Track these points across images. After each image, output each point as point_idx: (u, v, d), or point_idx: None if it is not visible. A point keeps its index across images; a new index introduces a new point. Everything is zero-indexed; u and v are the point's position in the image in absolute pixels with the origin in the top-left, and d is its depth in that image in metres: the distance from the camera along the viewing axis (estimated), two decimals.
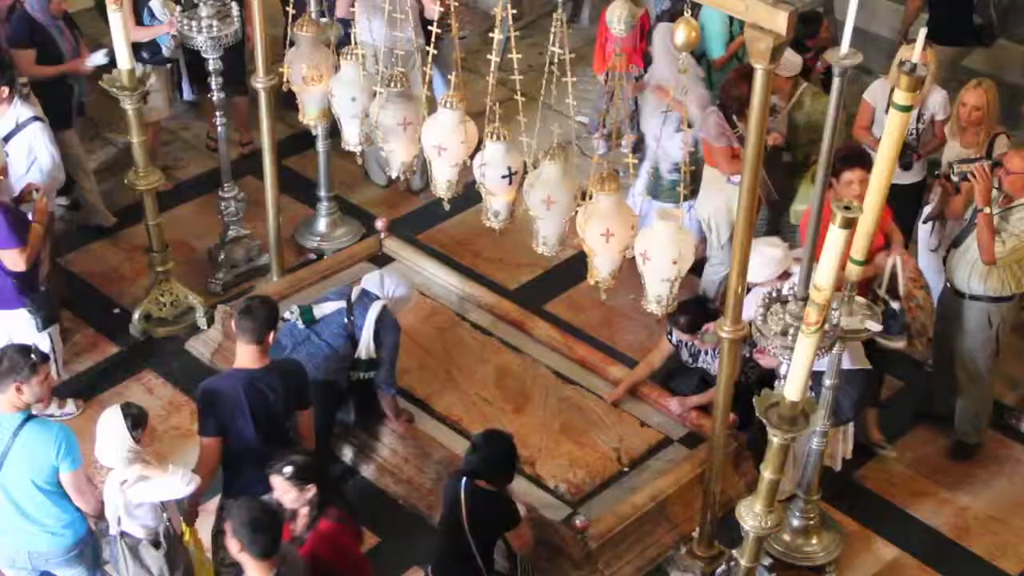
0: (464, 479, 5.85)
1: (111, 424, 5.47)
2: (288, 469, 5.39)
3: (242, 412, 5.81)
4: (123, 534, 5.59)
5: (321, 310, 6.77)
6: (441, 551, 6.07)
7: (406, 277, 7.20)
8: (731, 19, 8.28)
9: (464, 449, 6.46)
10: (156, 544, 5.66)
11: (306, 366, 6.49)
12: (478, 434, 6.20)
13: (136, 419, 5.48)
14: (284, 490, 5.42)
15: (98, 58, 8.04)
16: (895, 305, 6.20)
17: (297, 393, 6.00)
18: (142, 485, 5.49)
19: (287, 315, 6.76)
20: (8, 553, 5.85)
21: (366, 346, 6.69)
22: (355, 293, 6.80)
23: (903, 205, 7.56)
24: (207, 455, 5.89)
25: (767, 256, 6.35)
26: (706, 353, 7.00)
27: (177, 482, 5.54)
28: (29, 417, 5.64)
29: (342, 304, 6.75)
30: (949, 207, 7.23)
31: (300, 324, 6.71)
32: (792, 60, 7.64)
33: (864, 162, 6.51)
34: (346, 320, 6.69)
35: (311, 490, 5.41)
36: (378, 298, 6.77)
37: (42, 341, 6.99)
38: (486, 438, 6.06)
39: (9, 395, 5.58)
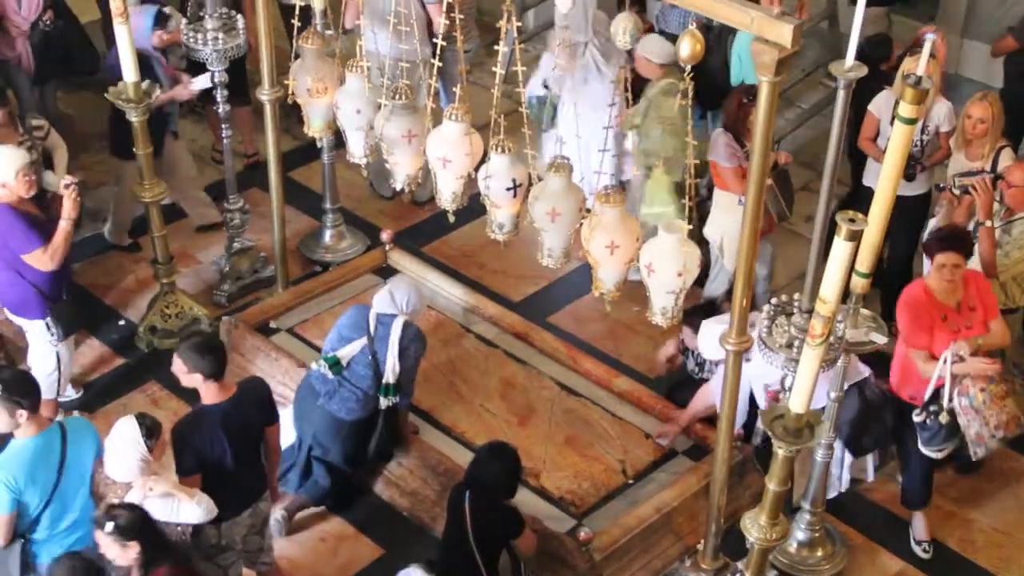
0: (468, 490, 5.86)
1: (125, 433, 5.46)
2: (109, 525, 5.17)
3: (220, 444, 5.81)
4: None
5: (345, 354, 6.66)
6: (446, 561, 6.07)
7: (411, 283, 7.08)
8: None
9: (467, 461, 6.48)
10: None
11: (340, 410, 6.61)
12: (482, 446, 6.20)
13: (150, 429, 5.48)
14: (106, 546, 5.22)
15: (202, 81, 7.91)
16: (934, 418, 6.19)
17: (266, 413, 6.04)
18: (165, 502, 5.48)
19: (313, 366, 6.73)
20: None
21: (391, 369, 6.61)
22: (372, 323, 6.67)
23: (908, 217, 7.57)
24: None
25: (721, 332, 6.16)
26: (712, 363, 7.00)
27: (199, 511, 5.54)
28: (60, 424, 5.71)
29: (364, 341, 6.66)
30: (951, 220, 7.22)
31: (330, 375, 6.66)
32: (666, 48, 7.64)
33: (961, 247, 6.34)
34: (370, 358, 6.62)
35: (134, 547, 5.17)
36: (395, 316, 6.68)
37: (52, 355, 7.03)
38: (491, 450, 6.06)
39: (38, 417, 5.64)
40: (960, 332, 6.31)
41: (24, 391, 5.57)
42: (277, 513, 6.68)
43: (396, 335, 6.59)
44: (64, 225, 6.72)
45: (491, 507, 5.89)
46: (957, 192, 6.97)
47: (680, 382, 7.30)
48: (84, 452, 5.74)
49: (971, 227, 6.93)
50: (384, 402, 6.67)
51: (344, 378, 6.65)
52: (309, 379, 6.81)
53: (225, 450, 5.81)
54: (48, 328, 6.97)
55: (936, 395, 6.24)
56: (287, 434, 6.90)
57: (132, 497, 5.49)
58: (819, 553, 6.63)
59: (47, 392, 7.10)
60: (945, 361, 6.15)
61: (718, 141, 7.47)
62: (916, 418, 6.26)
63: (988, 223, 6.66)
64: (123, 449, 5.46)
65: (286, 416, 6.96)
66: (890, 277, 8.05)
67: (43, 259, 6.71)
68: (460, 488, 5.97)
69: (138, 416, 5.53)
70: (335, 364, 6.64)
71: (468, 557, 5.88)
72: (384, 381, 6.62)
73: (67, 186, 6.77)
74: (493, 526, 5.92)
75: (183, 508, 5.52)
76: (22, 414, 5.53)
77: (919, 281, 6.49)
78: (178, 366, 5.84)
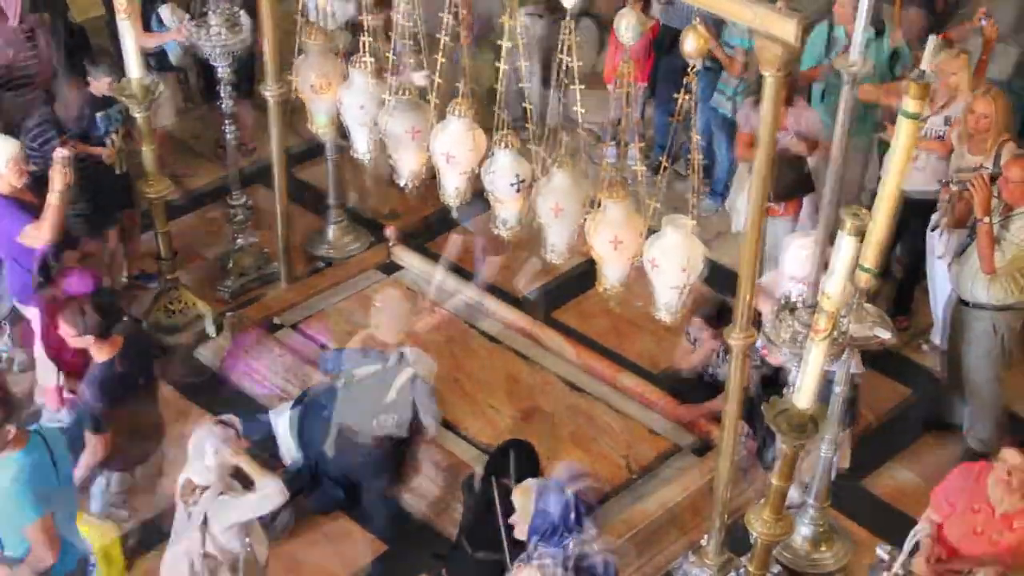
0: (494, 479, 5.91)
1: (204, 436, 5.49)
2: None
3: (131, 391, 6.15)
4: (206, 554, 5.59)
5: (361, 372, 6.74)
6: (463, 553, 6.04)
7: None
8: (827, 48, 8.25)
9: (471, 457, 6.51)
10: (234, 570, 5.67)
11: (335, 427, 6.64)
12: (502, 443, 6.29)
13: (227, 425, 5.55)
14: None
15: (419, 79, 7.86)
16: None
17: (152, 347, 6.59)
18: (241, 499, 5.53)
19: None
20: None
21: (389, 407, 6.68)
22: (393, 357, 6.75)
23: (924, 215, 7.53)
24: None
25: (807, 246, 6.07)
26: (718, 356, 6.99)
27: (276, 491, 5.59)
28: (38, 431, 5.61)
29: (378, 367, 6.72)
30: (952, 216, 7.20)
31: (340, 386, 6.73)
32: None
33: None
34: (379, 382, 6.69)
35: None
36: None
37: None
38: (510, 446, 6.15)
39: (21, 431, 5.50)
40: (984, 534, 5.76)
41: (5, 406, 5.46)
42: (284, 514, 6.69)
43: (400, 381, 6.67)
44: (52, 198, 6.70)
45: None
46: (955, 189, 6.96)
47: (685, 379, 7.29)
48: (65, 456, 5.66)
49: (970, 223, 6.91)
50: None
51: (348, 393, 6.68)
52: (316, 397, 6.88)
53: (135, 397, 6.06)
54: None
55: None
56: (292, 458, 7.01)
57: (203, 503, 5.54)
58: (823, 548, 6.63)
59: (48, 380, 7.13)
60: (915, 536, 5.89)
61: (745, 107, 7.75)
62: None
63: (986, 220, 6.65)
64: (203, 449, 5.49)
65: (288, 419, 7.01)
66: (902, 276, 8.07)
67: (34, 235, 6.70)
68: (485, 480, 6.02)
69: (215, 420, 5.56)
70: (349, 377, 6.72)
71: (495, 539, 5.86)
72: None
73: (61, 158, 6.73)
74: None
75: (256, 500, 5.61)
76: (10, 431, 5.42)
77: (988, 464, 5.90)
78: (65, 330, 6.04)
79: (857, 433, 7.00)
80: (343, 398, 6.69)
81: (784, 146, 7.64)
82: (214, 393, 7.48)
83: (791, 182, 7.70)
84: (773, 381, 6.66)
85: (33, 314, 7.07)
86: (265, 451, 7.16)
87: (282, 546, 6.69)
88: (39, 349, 7.18)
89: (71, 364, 6.50)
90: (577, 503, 5.21)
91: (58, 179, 6.69)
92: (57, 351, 6.46)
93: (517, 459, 6.02)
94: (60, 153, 6.76)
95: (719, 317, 6.74)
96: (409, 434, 6.74)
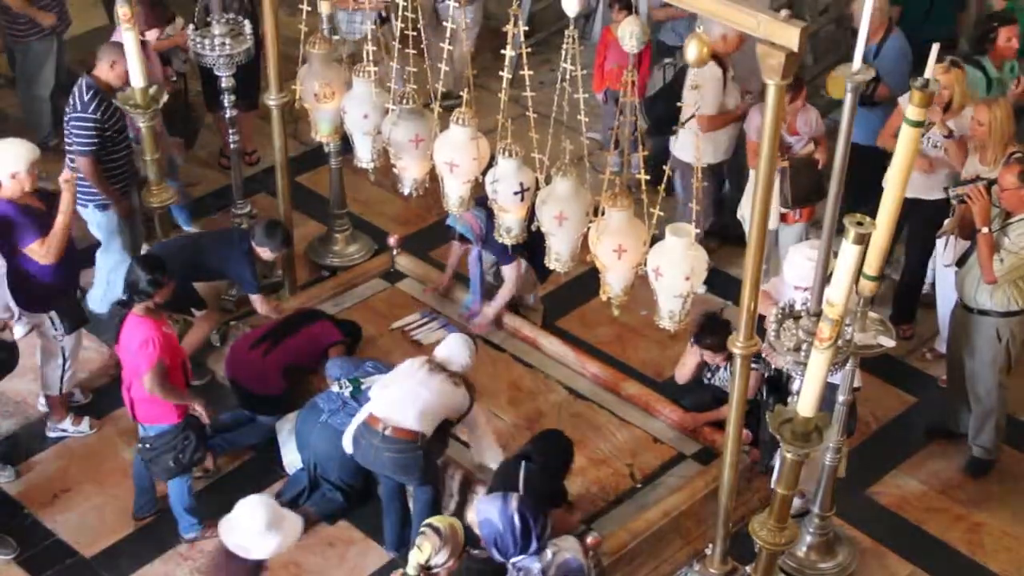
0: (524, 461, 5.96)
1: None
2: None
3: None
4: None
5: (367, 382, 6.70)
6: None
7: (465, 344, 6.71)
8: (987, 89, 7.97)
9: (470, 461, 6.60)
10: None
11: (342, 424, 6.58)
12: (539, 433, 6.40)
13: None
14: None
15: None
16: None
17: None
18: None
19: (335, 388, 6.77)
20: None
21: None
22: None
23: (931, 221, 7.52)
24: None
25: (815, 256, 6.03)
26: (724, 369, 6.98)
27: None
28: None
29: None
30: (953, 223, 7.17)
31: (347, 394, 6.70)
32: None
33: None
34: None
35: None
36: None
37: (58, 349, 7.06)
38: (550, 433, 6.25)
39: None
40: None
41: None
42: None
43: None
44: (61, 219, 6.73)
45: (543, 478, 5.93)
46: (954, 202, 6.96)
47: (687, 387, 7.27)
48: None
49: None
50: None
51: (356, 400, 6.67)
52: (313, 401, 6.87)
53: None
54: (53, 322, 6.99)
55: None
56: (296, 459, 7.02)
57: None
58: (828, 557, 6.62)
59: (53, 388, 7.14)
60: None
61: (754, 116, 7.65)
62: None
63: (984, 230, 6.66)
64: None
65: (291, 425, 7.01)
66: (905, 283, 8.06)
67: (40, 252, 6.73)
68: (515, 459, 6.04)
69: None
70: (356, 386, 6.69)
71: None
72: None
73: (66, 180, 6.77)
74: (541, 490, 5.93)
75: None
76: None
77: None
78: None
79: (854, 442, 6.98)
80: (339, 405, 6.70)
81: (800, 153, 7.64)
82: (214, 396, 7.51)
83: (807, 188, 7.69)
84: (775, 382, 6.67)
85: (34, 320, 7.08)
86: (267, 457, 7.20)
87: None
88: (53, 363, 7.20)
89: (176, 376, 6.48)
90: (520, 506, 5.20)
91: (68, 200, 6.74)
92: (171, 360, 6.42)
93: (554, 446, 6.09)
94: (66, 174, 6.80)
95: (717, 334, 6.71)
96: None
